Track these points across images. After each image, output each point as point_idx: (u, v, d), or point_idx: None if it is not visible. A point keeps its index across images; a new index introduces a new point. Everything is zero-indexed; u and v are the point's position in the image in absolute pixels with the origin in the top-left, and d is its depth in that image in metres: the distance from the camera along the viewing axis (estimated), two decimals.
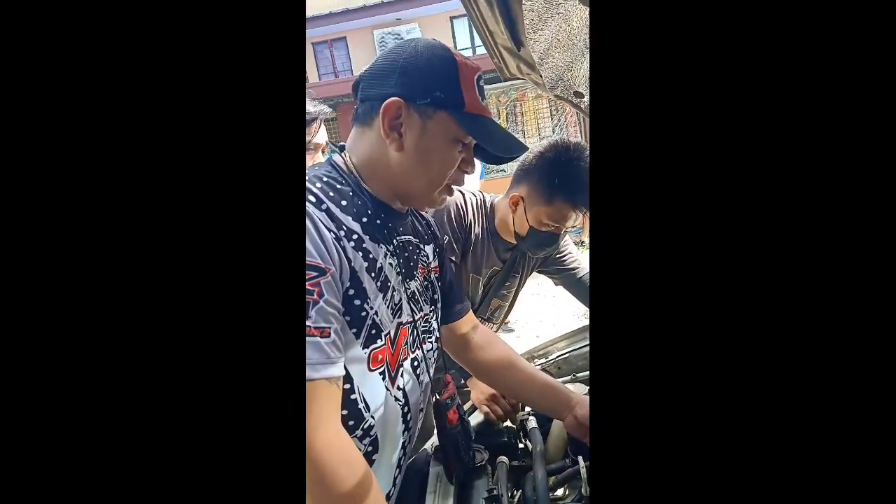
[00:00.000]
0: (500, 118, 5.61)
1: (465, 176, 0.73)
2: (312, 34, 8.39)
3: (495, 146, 0.68)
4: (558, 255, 1.41)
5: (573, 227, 1.21)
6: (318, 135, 1.25)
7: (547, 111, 5.29)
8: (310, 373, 0.57)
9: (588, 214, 1.16)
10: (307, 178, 0.66)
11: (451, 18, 8.15)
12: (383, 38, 7.87)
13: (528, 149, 0.73)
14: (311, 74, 8.66)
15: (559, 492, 0.87)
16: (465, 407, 1.11)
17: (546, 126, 5.23)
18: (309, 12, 7.82)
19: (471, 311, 0.94)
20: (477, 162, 0.74)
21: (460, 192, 1.25)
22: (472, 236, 1.25)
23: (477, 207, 1.27)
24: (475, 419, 1.06)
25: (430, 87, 0.64)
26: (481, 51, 7.89)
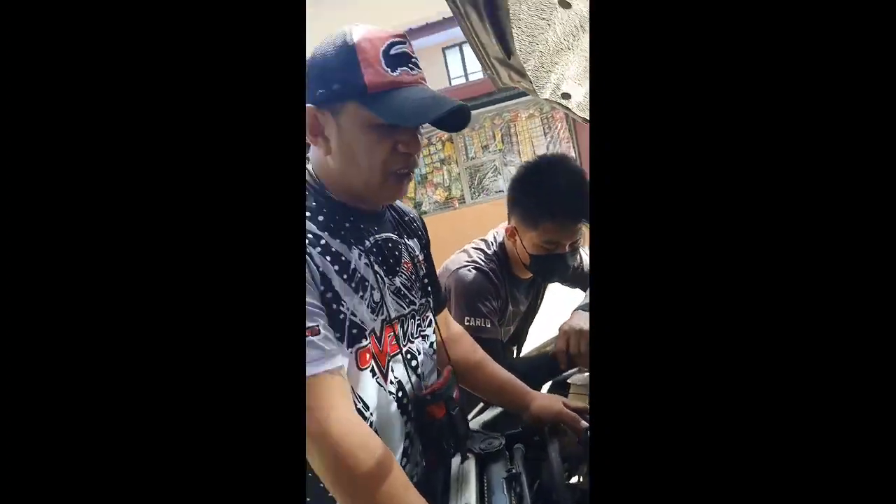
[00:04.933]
0: (495, 139, 5.72)
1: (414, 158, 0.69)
2: None
3: (409, 118, 0.63)
4: (581, 272, 1.34)
5: (573, 241, 1.15)
6: None
7: (540, 129, 5.43)
8: (310, 370, 0.59)
9: (586, 224, 1.14)
10: None
11: (444, 49, 8.38)
12: None
13: (454, 104, 0.65)
14: None
15: (574, 479, 0.90)
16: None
17: (540, 144, 5.35)
18: None
19: (445, 308, 0.95)
20: None
21: (473, 261, 1.19)
22: (505, 297, 1.22)
23: (497, 263, 1.21)
24: (491, 412, 1.09)
25: (329, 83, 0.63)
26: (474, 77, 8.08)
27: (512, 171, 6.15)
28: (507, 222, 1.24)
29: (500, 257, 1.24)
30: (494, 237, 1.27)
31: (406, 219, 0.86)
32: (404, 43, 0.66)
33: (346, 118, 0.65)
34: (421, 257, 0.84)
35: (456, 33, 7.60)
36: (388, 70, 0.63)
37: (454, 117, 0.66)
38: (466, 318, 1.15)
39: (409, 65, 0.65)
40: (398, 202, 0.87)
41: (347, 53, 0.63)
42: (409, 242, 0.82)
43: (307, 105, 0.66)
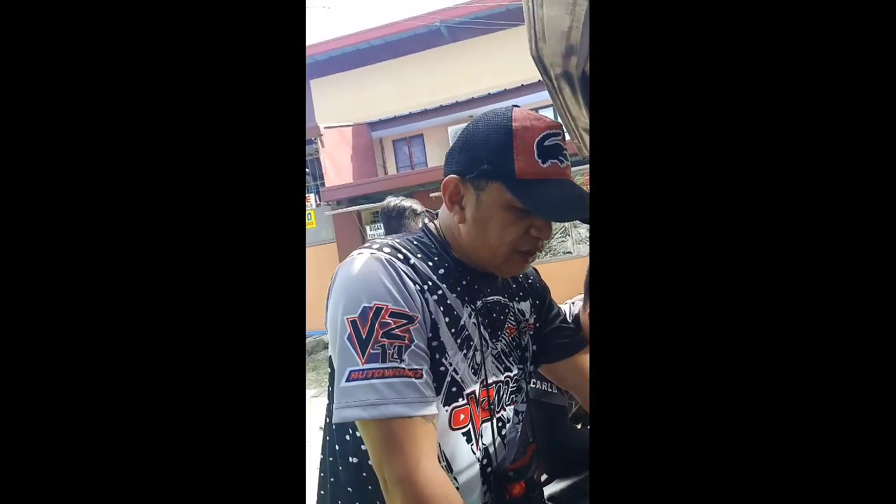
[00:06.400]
0: None
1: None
2: (394, 132, 9.30)
3: (553, 213, 0.65)
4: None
5: None
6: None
7: None
8: (409, 410, 0.59)
9: None
10: (402, 240, 0.70)
11: (538, 111, 8.74)
12: (456, 132, 8.60)
13: None
14: (391, 168, 9.47)
15: None
16: None
17: None
18: (392, 113, 8.74)
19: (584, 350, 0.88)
20: None
21: None
22: None
23: None
24: (559, 485, 1.07)
25: (480, 160, 0.66)
26: None
27: (582, 233, 6.19)
28: (580, 297, 1.21)
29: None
30: (570, 308, 1.24)
31: (520, 279, 0.84)
32: (558, 135, 0.67)
33: (488, 195, 0.66)
34: (531, 320, 0.83)
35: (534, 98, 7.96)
36: (540, 161, 0.65)
37: None
38: (533, 380, 1.13)
39: (560, 157, 0.67)
40: None
41: (504, 137, 0.65)
42: (520, 306, 0.81)
43: (451, 175, 0.69)
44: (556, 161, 0.66)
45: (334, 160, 8.01)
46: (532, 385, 1.12)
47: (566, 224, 5.95)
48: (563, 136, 0.68)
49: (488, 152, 0.66)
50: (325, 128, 7.78)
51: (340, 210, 7.10)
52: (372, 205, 6.89)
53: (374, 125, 8.98)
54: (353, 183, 7.59)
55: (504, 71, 7.99)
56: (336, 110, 8.87)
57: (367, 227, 7.16)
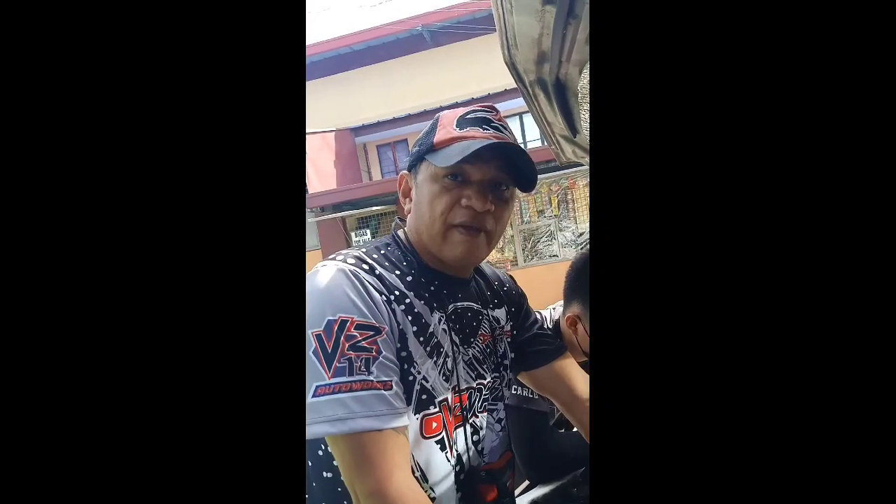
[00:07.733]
0: (552, 205, 5.83)
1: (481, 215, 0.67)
2: (378, 138, 9.23)
3: (449, 159, 0.64)
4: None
5: None
6: None
7: None
8: (378, 423, 0.58)
9: None
10: (368, 249, 0.70)
11: (522, 115, 8.71)
12: None
13: (487, 141, 0.65)
14: (375, 174, 9.41)
15: None
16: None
17: None
18: (375, 118, 8.69)
19: (564, 353, 0.86)
20: None
21: None
22: None
23: None
24: (541, 490, 1.06)
25: (414, 148, 0.71)
26: (532, 144, 8.34)
27: (568, 236, 6.20)
28: (562, 303, 1.18)
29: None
30: (551, 314, 1.23)
31: (495, 286, 0.83)
32: (489, 112, 0.69)
33: (420, 175, 0.70)
34: (507, 328, 0.82)
35: (517, 103, 7.96)
36: (457, 129, 0.67)
37: (519, 173, 0.67)
38: (514, 387, 1.12)
39: (483, 126, 0.67)
40: (494, 271, 0.87)
41: (433, 122, 0.71)
42: (494, 313, 0.80)
43: (402, 172, 0.73)
44: (476, 128, 0.67)
45: (317, 166, 7.92)
46: (513, 391, 1.11)
47: (552, 227, 5.94)
48: (496, 112, 0.70)
49: (423, 140, 0.70)
50: (308, 133, 7.69)
51: (325, 216, 7.02)
52: (356, 211, 6.82)
53: (357, 130, 8.91)
54: (338, 189, 7.51)
55: (488, 75, 7.98)
56: (318, 116, 8.79)
57: (353, 234, 7.08)
